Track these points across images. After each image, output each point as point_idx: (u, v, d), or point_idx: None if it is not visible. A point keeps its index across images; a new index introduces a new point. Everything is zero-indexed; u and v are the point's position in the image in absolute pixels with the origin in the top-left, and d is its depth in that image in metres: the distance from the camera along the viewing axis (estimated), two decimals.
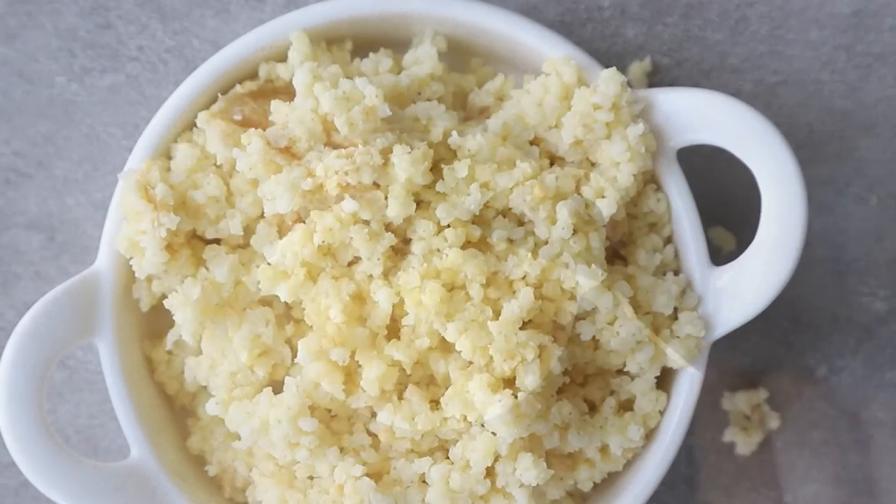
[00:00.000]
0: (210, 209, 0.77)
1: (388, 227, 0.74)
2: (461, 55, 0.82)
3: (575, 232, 0.74)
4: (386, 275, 0.74)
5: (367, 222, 0.73)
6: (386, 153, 0.74)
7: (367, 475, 0.75)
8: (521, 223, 0.76)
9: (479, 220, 0.75)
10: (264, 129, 0.75)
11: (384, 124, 0.75)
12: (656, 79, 0.86)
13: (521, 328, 0.74)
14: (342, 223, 0.73)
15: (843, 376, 0.88)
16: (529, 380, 0.74)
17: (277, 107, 0.76)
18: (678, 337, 0.77)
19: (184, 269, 0.77)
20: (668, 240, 0.80)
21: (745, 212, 0.82)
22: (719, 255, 0.85)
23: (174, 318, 0.76)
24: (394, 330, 0.74)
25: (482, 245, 0.75)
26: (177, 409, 0.82)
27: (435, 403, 0.74)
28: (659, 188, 0.79)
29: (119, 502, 0.76)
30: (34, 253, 0.86)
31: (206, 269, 0.77)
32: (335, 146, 0.75)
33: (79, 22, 0.85)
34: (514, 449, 0.74)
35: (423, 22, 0.79)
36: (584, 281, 0.74)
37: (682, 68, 0.86)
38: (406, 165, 0.73)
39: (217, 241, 0.78)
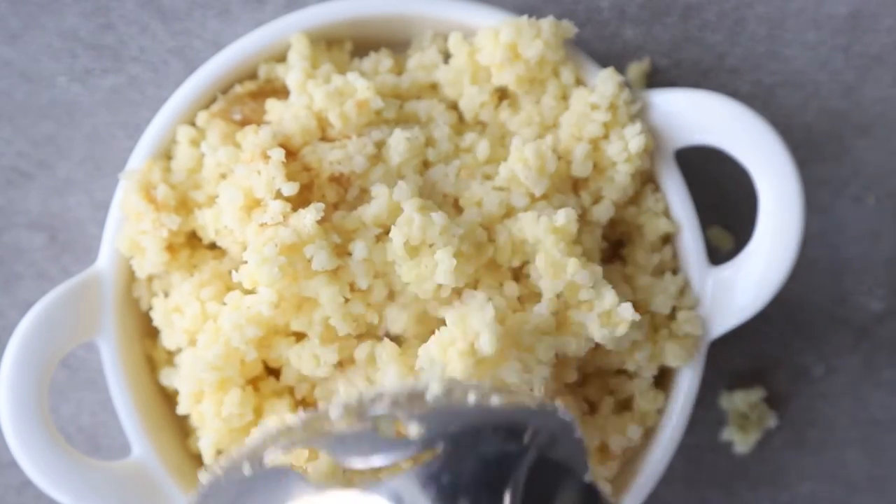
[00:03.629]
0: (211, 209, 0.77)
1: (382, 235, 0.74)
2: None
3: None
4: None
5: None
6: (380, 145, 0.74)
7: None
8: None
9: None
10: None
11: (379, 118, 0.75)
12: (655, 79, 0.86)
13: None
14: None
15: (841, 375, 0.88)
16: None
17: (272, 105, 0.76)
18: (676, 336, 0.78)
19: (184, 269, 0.77)
20: (667, 240, 0.80)
21: (742, 212, 0.82)
22: (717, 255, 0.85)
23: (156, 326, 0.77)
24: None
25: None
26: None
27: None
28: (657, 188, 0.79)
29: (120, 500, 0.76)
30: (36, 252, 0.86)
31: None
32: (330, 142, 0.75)
33: (80, 23, 0.85)
34: None
35: (423, 23, 0.79)
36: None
37: (680, 69, 0.86)
38: (402, 150, 0.73)
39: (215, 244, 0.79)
